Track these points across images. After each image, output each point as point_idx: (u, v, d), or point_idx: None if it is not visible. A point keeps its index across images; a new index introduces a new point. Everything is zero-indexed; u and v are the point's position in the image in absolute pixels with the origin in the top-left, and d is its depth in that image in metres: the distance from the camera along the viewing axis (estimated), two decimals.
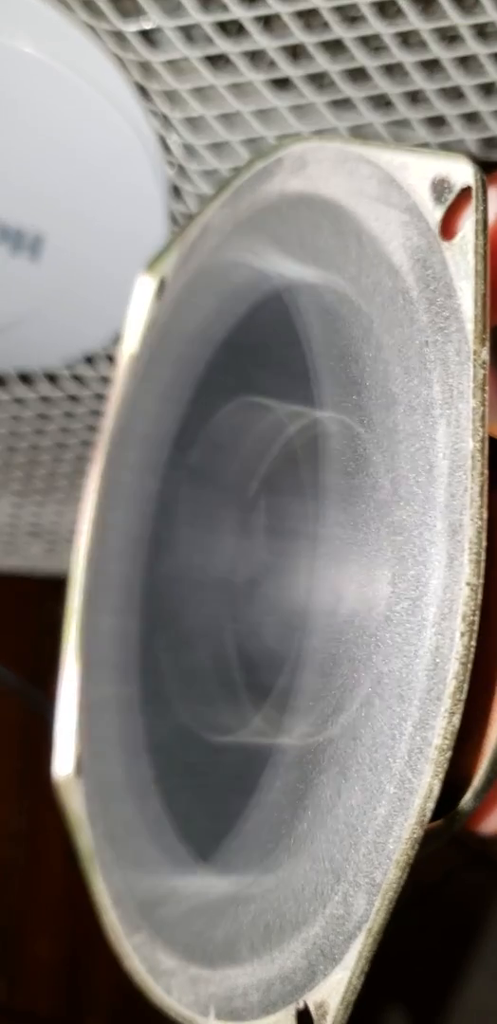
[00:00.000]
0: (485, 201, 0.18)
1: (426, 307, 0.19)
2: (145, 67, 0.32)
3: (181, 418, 0.28)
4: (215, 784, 0.25)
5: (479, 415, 0.18)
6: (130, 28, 0.31)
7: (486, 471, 0.17)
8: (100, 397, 0.44)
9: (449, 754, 0.17)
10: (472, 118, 0.33)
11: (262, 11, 0.30)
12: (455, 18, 0.30)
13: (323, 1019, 0.19)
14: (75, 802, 0.29)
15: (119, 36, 0.31)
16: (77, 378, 0.43)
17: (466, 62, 0.32)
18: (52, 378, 0.43)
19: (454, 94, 0.33)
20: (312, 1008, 0.19)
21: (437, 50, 0.31)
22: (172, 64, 0.32)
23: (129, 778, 0.27)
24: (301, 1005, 0.19)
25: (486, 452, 0.17)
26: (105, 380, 0.43)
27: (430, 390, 0.18)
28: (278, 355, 0.24)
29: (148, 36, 0.31)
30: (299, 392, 0.23)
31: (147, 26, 0.30)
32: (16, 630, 0.78)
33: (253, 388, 0.26)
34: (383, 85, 0.32)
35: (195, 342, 0.28)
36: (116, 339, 0.41)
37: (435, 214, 0.19)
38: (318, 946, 0.19)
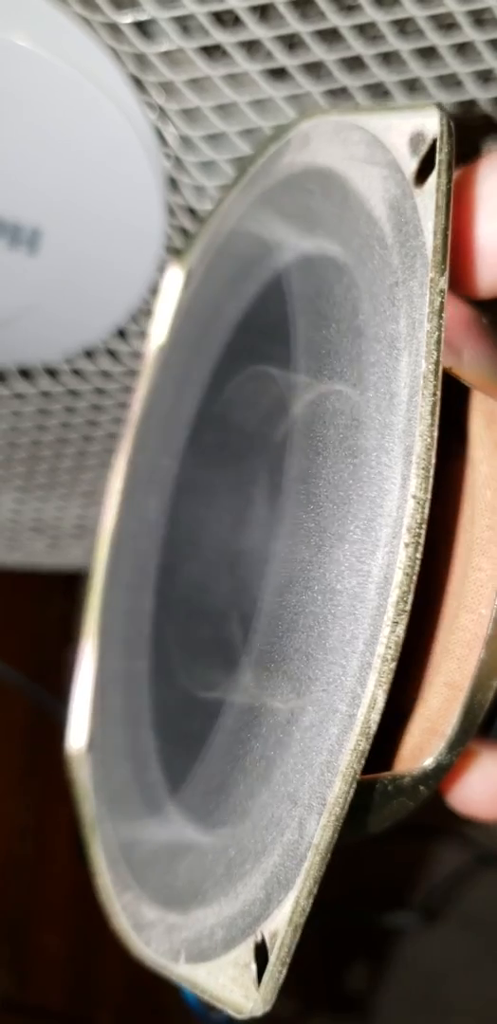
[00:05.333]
0: (449, 144, 0.19)
1: (398, 250, 0.19)
2: (140, 59, 0.32)
3: (199, 400, 0.29)
4: (208, 745, 0.25)
5: (434, 339, 0.18)
6: (125, 20, 0.30)
7: (439, 392, 0.18)
8: (100, 392, 0.44)
9: (393, 665, 0.17)
10: (470, 106, 0.33)
11: (257, 1, 0.30)
12: (452, 5, 0.30)
13: (274, 946, 0.19)
14: (83, 775, 0.29)
15: (114, 28, 0.31)
16: (77, 372, 0.43)
17: (463, 49, 0.31)
18: (52, 373, 0.43)
19: (451, 82, 0.32)
20: (267, 938, 0.19)
21: (434, 38, 0.31)
22: (167, 55, 0.31)
23: (133, 747, 0.27)
24: (259, 937, 0.19)
25: (440, 374, 0.18)
26: (105, 374, 0.43)
27: (396, 325, 0.19)
28: (284, 328, 0.25)
29: (143, 28, 0.31)
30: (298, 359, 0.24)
31: (142, 17, 0.30)
32: (20, 627, 0.78)
33: (263, 362, 0.27)
34: (380, 74, 0.32)
35: (211, 325, 0.28)
36: (115, 332, 0.41)
37: (411, 165, 0.20)
38: (275, 875, 0.19)
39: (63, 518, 0.53)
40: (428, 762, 0.21)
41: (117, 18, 0.30)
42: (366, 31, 0.31)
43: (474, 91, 0.32)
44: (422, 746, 0.21)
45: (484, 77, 0.32)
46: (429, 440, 0.18)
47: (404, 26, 0.31)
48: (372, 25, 0.30)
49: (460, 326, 0.22)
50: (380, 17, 0.30)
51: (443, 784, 0.24)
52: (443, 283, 0.18)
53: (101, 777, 0.29)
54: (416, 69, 0.32)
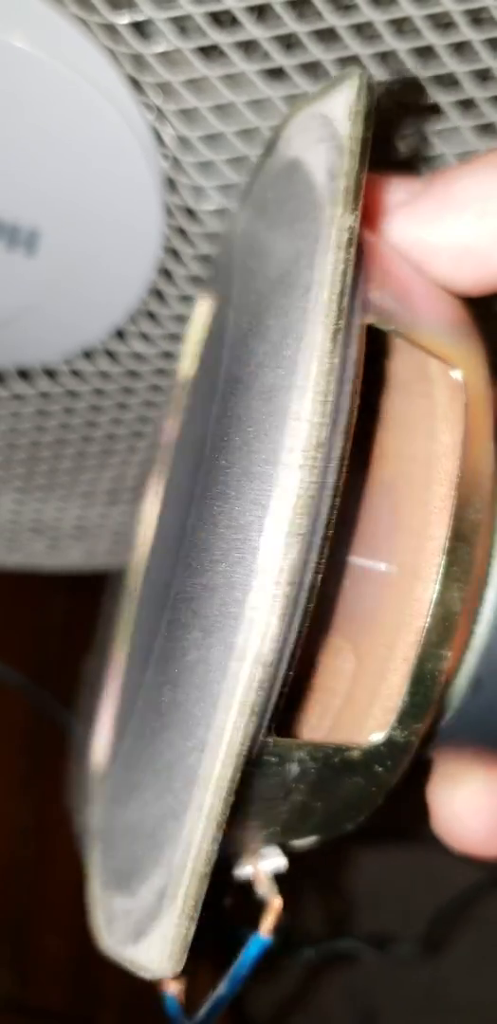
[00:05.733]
0: (367, 96, 0.20)
1: (327, 207, 0.20)
2: (137, 60, 0.32)
3: (208, 417, 0.29)
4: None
5: (339, 271, 0.18)
6: (122, 20, 0.30)
7: (341, 321, 0.18)
8: (99, 392, 0.44)
9: (288, 589, 0.17)
10: (467, 105, 0.33)
11: (255, 1, 0.30)
12: (449, 4, 0.30)
13: (181, 901, 0.18)
14: (99, 790, 0.29)
15: (111, 29, 0.31)
16: (75, 373, 0.43)
17: (461, 49, 0.31)
18: (51, 374, 0.43)
19: (448, 81, 0.32)
20: (180, 897, 0.18)
21: (431, 37, 0.31)
22: (165, 56, 0.31)
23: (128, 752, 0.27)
24: (179, 900, 0.18)
25: (343, 304, 0.18)
26: (104, 375, 0.43)
27: (312, 272, 0.19)
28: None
29: (140, 28, 0.31)
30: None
31: (139, 18, 0.30)
32: (20, 628, 0.78)
33: None
34: (377, 73, 0.32)
35: (224, 344, 0.29)
36: (114, 333, 0.41)
37: (345, 127, 0.20)
38: (192, 831, 0.18)
39: (62, 519, 0.53)
40: (378, 736, 0.21)
41: (114, 19, 0.30)
42: (363, 31, 0.31)
43: (472, 91, 0.32)
44: (382, 726, 0.21)
45: (482, 76, 0.32)
46: (328, 365, 0.18)
47: (401, 25, 0.31)
48: (369, 25, 0.30)
49: (446, 312, 0.22)
50: (377, 17, 0.30)
51: (432, 817, 0.24)
52: (351, 220, 0.18)
53: (111, 795, 0.29)
54: (414, 68, 0.32)
